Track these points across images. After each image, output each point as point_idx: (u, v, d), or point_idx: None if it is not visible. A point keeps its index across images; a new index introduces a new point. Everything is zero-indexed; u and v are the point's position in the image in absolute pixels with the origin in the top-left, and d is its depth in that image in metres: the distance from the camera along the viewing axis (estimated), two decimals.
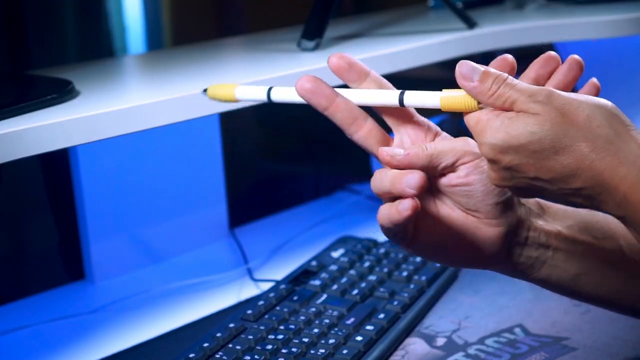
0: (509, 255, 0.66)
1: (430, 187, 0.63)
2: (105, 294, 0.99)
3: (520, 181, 0.57)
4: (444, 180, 0.62)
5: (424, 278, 0.90)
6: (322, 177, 1.35)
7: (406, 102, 0.62)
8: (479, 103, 0.58)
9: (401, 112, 0.65)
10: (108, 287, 1.01)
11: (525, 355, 0.78)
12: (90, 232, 1.01)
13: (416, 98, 0.61)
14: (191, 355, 0.76)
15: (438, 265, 0.93)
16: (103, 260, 1.02)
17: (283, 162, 1.36)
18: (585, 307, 0.87)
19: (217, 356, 0.76)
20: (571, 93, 0.56)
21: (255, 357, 0.76)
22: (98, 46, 1.12)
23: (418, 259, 0.95)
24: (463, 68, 0.58)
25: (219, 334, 0.79)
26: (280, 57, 0.98)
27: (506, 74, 0.57)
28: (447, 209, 0.63)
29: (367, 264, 0.94)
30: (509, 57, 0.64)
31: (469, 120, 0.58)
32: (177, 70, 0.94)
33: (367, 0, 1.45)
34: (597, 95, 0.66)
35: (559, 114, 0.55)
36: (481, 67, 0.57)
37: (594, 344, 0.80)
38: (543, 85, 0.66)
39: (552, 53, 0.66)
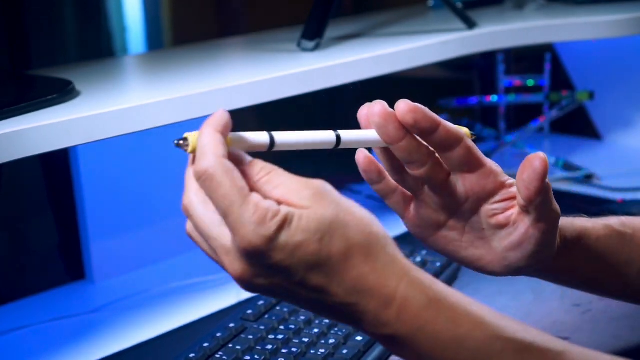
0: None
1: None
2: (105, 294, 0.99)
3: (277, 281, 0.51)
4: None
5: None
6: (322, 177, 1.34)
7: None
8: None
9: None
10: (108, 287, 1.01)
11: None
12: (90, 232, 1.01)
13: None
14: (191, 355, 0.76)
15: (438, 265, 0.93)
16: (103, 260, 1.02)
17: (283, 162, 1.35)
18: (585, 307, 0.87)
19: (217, 356, 0.76)
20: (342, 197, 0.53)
21: (255, 357, 0.76)
22: (98, 46, 1.12)
23: (418, 258, 0.95)
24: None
25: (219, 334, 0.79)
26: (280, 57, 0.98)
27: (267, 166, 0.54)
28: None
29: None
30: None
31: (231, 197, 0.50)
32: (177, 70, 0.94)
33: (367, 0, 1.45)
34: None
35: (337, 212, 0.51)
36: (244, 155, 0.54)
37: (594, 344, 0.80)
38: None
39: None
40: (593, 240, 0.67)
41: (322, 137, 0.59)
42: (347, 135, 0.59)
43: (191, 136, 0.55)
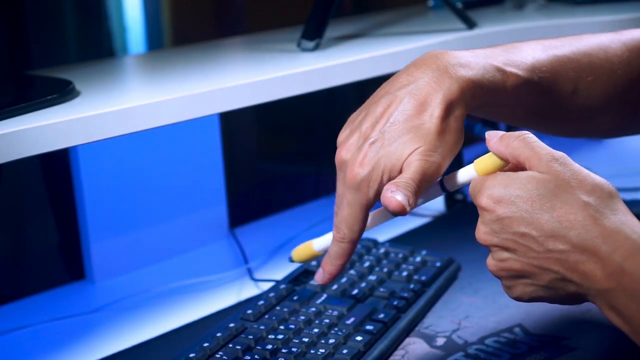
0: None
1: None
2: (105, 294, 0.99)
3: (506, 237, 0.59)
4: None
5: (424, 278, 0.90)
6: (322, 177, 1.35)
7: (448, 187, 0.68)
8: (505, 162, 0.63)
9: None
10: (108, 287, 1.01)
11: (525, 355, 0.78)
12: (90, 232, 1.01)
13: (455, 179, 0.67)
14: (191, 355, 0.76)
15: (438, 264, 0.93)
16: (103, 260, 1.02)
17: (283, 162, 1.36)
18: (585, 307, 0.87)
19: (217, 356, 0.76)
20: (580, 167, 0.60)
21: (255, 357, 0.76)
22: (98, 46, 1.12)
23: (418, 258, 0.95)
24: (489, 133, 0.63)
25: (219, 334, 0.79)
26: (280, 57, 0.98)
27: (527, 132, 0.62)
28: None
29: (367, 263, 0.94)
30: None
31: (471, 187, 0.63)
32: (177, 70, 0.94)
33: (367, 0, 1.45)
34: None
35: (566, 180, 0.58)
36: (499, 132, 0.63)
37: (594, 344, 0.80)
38: None
39: None
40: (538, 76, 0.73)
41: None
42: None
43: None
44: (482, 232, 0.61)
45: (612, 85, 0.77)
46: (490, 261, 0.62)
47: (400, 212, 0.63)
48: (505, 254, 0.61)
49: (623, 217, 0.57)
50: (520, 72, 0.72)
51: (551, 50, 0.75)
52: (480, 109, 0.73)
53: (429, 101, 0.66)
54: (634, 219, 0.58)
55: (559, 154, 0.60)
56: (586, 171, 0.59)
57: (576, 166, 0.59)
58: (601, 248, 0.56)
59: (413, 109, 0.65)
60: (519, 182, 0.58)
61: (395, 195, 0.63)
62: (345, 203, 0.67)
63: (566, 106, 0.76)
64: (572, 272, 0.58)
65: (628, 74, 0.78)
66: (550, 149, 0.61)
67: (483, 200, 0.60)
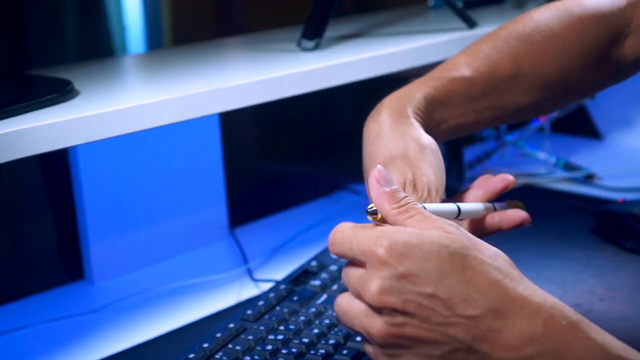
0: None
1: None
2: (105, 294, 0.99)
3: (408, 298, 0.51)
4: None
5: None
6: (322, 177, 1.35)
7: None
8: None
9: None
10: (108, 287, 1.01)
11: None
12: (90, 232, 1.01)
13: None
14: (191, 356, 0.75)
15: None
16: (103, 260, 1.02)
17: (283, 162, 1.36)
18: (585, 308, 0.86)
19: (217, 356, 0.76)
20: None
21: (255, 357, 0.76)
22: (98, 46, 1.12)
23: None
24: (377, 172, 0.57)
25: (219, 334, 0.79)
26: (280, 57, 0.98)
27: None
28: None
29: None
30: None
31: (363, 238, 0.54)
32: (177, 70, 0.94)
33: (367, 0, 1.45)
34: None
35: (473, 243, 0.53)
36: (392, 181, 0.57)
37: None
38: None
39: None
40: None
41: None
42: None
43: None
44: (377, 289, 0.51)
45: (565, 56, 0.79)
46: (377, 324, 0.52)
47: None
48: (401, 318, 0.52)
49: (530, 284, 0.53)
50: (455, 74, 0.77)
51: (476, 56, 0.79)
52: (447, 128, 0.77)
53: None
54: (537, 287, 0.54)
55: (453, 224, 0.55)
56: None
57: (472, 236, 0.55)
58: (519, 313, 0.51)
59: None
60: (429, 235, 0.52)
61: None
62: None
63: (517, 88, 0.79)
64: (480, 341, 0.51)
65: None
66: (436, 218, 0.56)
67: (381, 250, 0.51)
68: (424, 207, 0.58)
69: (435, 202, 0.64)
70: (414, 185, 0.64)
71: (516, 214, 0.71)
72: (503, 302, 0.51)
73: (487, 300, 0.51)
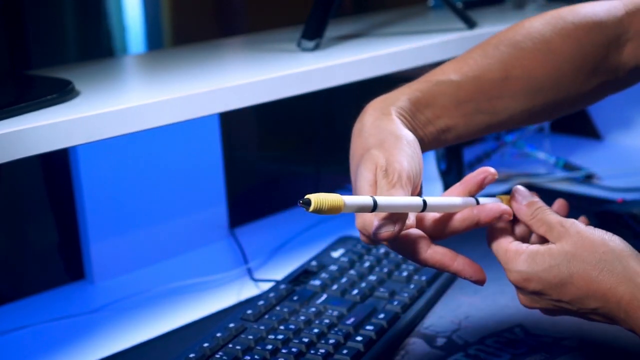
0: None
1: None
2: (105, 294, 0.99)
3: (547, 303, 0.67)
4: None
5: (424, 278, 0.90)
6: (322, 177, 1.35)
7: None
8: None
9: None
10: (108, 287, 1.01)
11: (525, 355, 0.78)
12: (90, 232, 1.01)
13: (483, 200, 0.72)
14: (191, 355, 0.76)
15: None
16: (103, 260, 1.02)
17: (283, 162, 1.36)
18: None
19: (217, 356, 0.76)
20: (586, 226, 0.67)
21: (255, 357, 0.76)
22: (98, 46, 1.12)
23: None
24: (517, 192, 0.71)
25: (219, 334, 0.79)
26: (280, 57, 0.98)
27: (544, 204, 0.70)
28: None
29: (367, 264, 0.94)
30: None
31: (498, 248, 0.69)
32: (177, 70, 0.94)
33: (367, 0, 1.45)
34: (567, 210, 0.75)
35: (574, 246, 0.65)
36: (531, 195, 0.70)
37: (594, 344, 0.80)
38: None
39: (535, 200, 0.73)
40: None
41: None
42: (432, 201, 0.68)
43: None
44: (524, 300, 0.69)
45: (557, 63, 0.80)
46: (522, 299, 0.69)
47: None
48: (537, 298, 0.68)
49: (621, 266, 0.64)
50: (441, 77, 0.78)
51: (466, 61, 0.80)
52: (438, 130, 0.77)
53: None
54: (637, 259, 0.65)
55: (568, 221, 0.67)
56: (590, 230, 0.66)
57: (581, 227, 0.66)
58: (611, 301, 0.63)
59: None
60: (539, 259, 0.66)
61: None
62: None
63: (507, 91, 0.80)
64: (608, 319, 0.65)
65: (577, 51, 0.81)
66: (559, 217, 0.68)
67: (513, 276, 0.67)
68: (382, 202, 0.62)
69: (407, 188, 0.65)
70: (385, 171, 0.66)
71: (494, 207, 0.69)
72: (600, 298, 0.64)
73: (598, 297, 0.64)
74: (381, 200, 0.62)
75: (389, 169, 0.66)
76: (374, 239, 0.65)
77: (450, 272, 0.68)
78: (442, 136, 0.77)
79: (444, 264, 0.68)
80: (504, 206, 0.69)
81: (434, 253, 0.68)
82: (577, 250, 0.65)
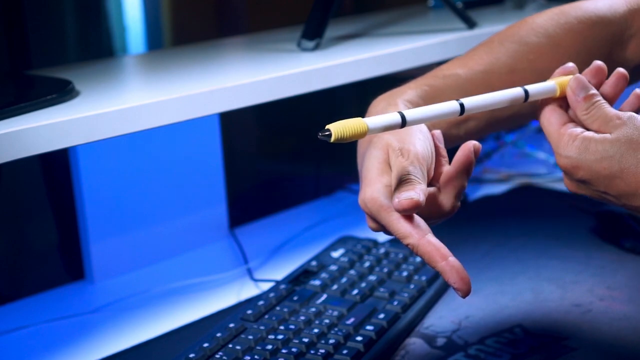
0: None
1: None
2: (105, 294, 0.99)
3: (592, 192, 0.66)
4: None
5: (424, 278, 0.90)
6: (322, 177, 1.35)
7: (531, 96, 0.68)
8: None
9: None
10: (108, 287, 1.01)
11: (525, 355, 0.78)
12: (90, 232, 1.01)
13: (537, 89, 0.68)
14: (191, 355, 0.76)
15: None
16: (103, 260, 1.02)
17: (283, 162, 1.36)
18: (585, 307, 0.87)
19: (217, 356, 0.76)
20: None
21: (255, 357, 0.76)
22: (98, 46, 1.12)
23: (418, 259, 0.95)
24: (574, 83, 0.67)
25: (219, 334, 0.79)
26: (280, 57, 0.98)
27: (601, 98, 0.67)
28: None
29: (367, 264, 0.94)
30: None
31: (550, 129, 0.67)
32: (177, 70, 0.94)
33: (367, 0, 1.45)
34: (639, 104, 0.70)
35: (630, 139, 0.63)
36: (589, 87, 0.67)
37: (594, 344, 0.80)
38: None
39: (599, 63, 0.70)
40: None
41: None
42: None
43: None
44: (570, 185, 0.67)
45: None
46: (568, 184, 0.68)
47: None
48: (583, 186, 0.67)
49: None
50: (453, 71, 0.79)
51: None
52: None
53: None
54: None
55: (626, 114, 0.64)
56: None
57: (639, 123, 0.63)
58: None
59: None
60: (592, 147, 0.63)
61: None
62: None
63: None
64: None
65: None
66: (616, 111, 0.65)
67: (562, 160, 0.65)
68: (412, 114, 0.61)
69: (423, 168, 0.64)
70: (400, 150, 0.65)
71: (461, 153, 0.66)
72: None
73: (638, 197, 0.63)
74: (410, 113, 0.59)
75: (404, 149, 0.65)
76: (398, 209, 0.62)
77: (436, 269, 0.63)
78: (454, 131, 0.77)
79: (432, 258, 0.62)
80: (468, 146, 0.66)
81: (428, 243, 0.63)
82: (632, 144, 0.62)
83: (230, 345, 0.77)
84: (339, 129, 0.57)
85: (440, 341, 0.82)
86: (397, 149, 0.65)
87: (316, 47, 1.00)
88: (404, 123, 0.59)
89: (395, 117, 0.59)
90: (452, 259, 0.63)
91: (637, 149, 0.62)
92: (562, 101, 0.69)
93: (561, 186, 1.26)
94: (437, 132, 0.71)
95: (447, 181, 0.67)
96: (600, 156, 0.63)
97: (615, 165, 0.62)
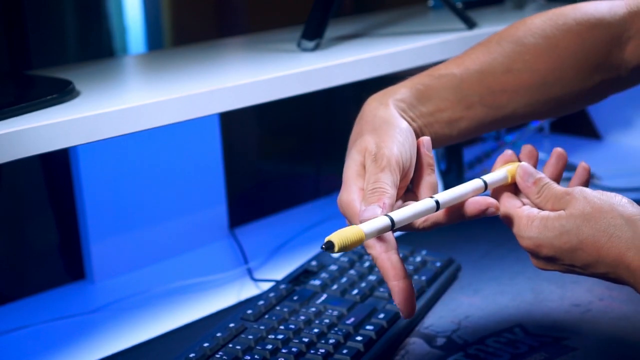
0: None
1: None
2: (105, 294, 0.99)
3: (560, 267, 0.67)
4: None
5: (423, 278, 0.90)
6: (322, 177, 1.35)
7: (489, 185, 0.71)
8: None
9: None
10: (108, 287, 1.01)
11: (525, 355, 0.78)
12: (90, 232, 1.01)
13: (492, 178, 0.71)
14: (191, 355, 0.76)
15: (438, 264, 0.93)
16: (103, 260, 1.02)
17: (283, 162, 1.36)
18: (585, 307, 0.87)
19: (217, 356, 0.76)
20: (592, 190, 0.66)
21: (255, 357, 0.76)
22: (98, 46, 1.12)
23: (418, 258, 0.95)
24: (521, 171, 0.70)
25: (219, 334, 0.79)
26: (280, 57, 0.98)
27: (548, 180, 0.69)
28: None
29: (367, 264, 0.94)
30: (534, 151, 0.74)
31: (508, 214, 0.69)
32: (177, 70, 0.94)
33: (367, 0, 1.45)
34: (587, 176, 0.74)
35: (582, 212, 0.64)
36: (535, 173, 0.70)
37: (594, 344, 0.80)
38: None
39: (529, 147, 0.74)
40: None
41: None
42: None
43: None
44: (538, 264, 0.69)
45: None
46: (536, 263, 0.69)
47: None
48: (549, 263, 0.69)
49: (631, 231, 0.63)
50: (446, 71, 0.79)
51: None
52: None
53: None
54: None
55: (575, 189, 0.66)
56: (598, 196, 0.65)
57: (588, 194, 0.65)
58: (621, 265, 0.63)
59: None
60: (550, 225, 0.65)
61: None
62: None
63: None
64: (619, 281, 0.65)
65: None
66: (564, 188, 0.67)
67: (525, 242, 0.67)
68: (398, 216, 0.63)
69: (395, 173, 0.66)
70: (375, 155, 0.67)
71: (480, 201, 0.68)
72: (620, 253, 0.63)
73: (608, 261, 0.63)
74: (396, 215, 0.63)
75: (379, 153, 0.67)
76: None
77: (388, 286, 0.65)
78: (446, 130, 0.78)
79: (386, 274, 0.64)
80: (490, 200, 0.68)
81: (387, 259, 0.64)
82: (586, 216, 0.64)
83: (230, 345, 0.77)
84: (340, 239, 0.60)
85: (440, 341, 0.82)
86: (373, 154, 0.67)
87: (316, 47, 1.00)
88: (393, 225, 0.63)
89: (385, 222, 0.62)
90: (404, 281, 0.64)
91: (590, 219, 0.64)
92: (513, 187, 0.71)
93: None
94: (426, 139, 0.72)
95: (416, 183, 0.70)
96: (558, 232, 0.65)
97: (573, 239, 0.64)
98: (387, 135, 0.69)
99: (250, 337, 0.78)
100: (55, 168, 1.04)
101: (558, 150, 0.73)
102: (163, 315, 0.93)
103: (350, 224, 0.67)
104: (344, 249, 0.59)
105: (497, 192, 0.71)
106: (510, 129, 1.42)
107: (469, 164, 1.31)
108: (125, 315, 0.94)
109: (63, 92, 0.80)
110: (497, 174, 0.72)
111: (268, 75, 0.89)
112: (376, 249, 0.64)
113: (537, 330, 0.83)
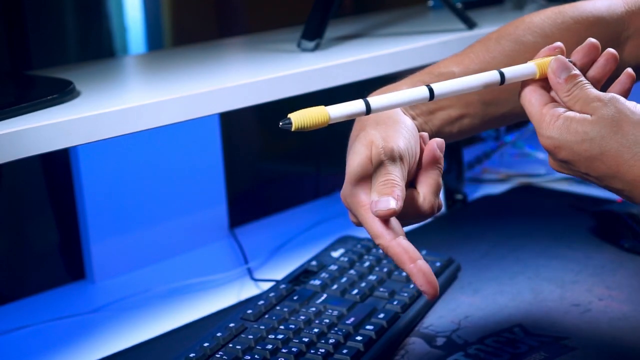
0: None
1: None
2: (105, 294, 0.99)
3: (574, 173, 0.65)
4: None
5: None
6: (322, 177, 1.35)
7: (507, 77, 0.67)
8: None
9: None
10: (108, 287, 1.01)
11: (525, 355, 0.78)
12: (91, 232, 1.01)
13: (514, 72, 0.67)
14: (191, 355, 0.76)
15: (438, 264, 0.93)
16: (103, 260, 1.02)
17: (283, 162, 1.36)
18: (584, 307, 0.87)
19: (217, 356, 0.76)
20: (627, 101, 0.63)
21: (255, 356, 0.76)
22: (98, 46, 1.12)
23: None
24: (555, 64, 0.66)
25: (219, 334, 0.79)
26: (280, 57, 0.98)
27: (583, 79, 0.66)
28: None
29: (367, 263, 0.94)
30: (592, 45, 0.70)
31: (532, 110, 0.66)
32: (177, 70, 0.94)
33: (367, 0, 1.45)
34: (631, 84, 0.69)
35: (611, 121, 0.62)
36: (570, 68, 0.66)
37: (594, 344, 0.80)
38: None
39: (593, 41, 0.70)
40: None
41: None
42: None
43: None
44: (553, 164, 0.67)
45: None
46: (552, 164, 0.68)
47: None
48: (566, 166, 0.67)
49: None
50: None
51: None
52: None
53: None
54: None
55: (606, 96, 0.63)
56: (631, 108, 0.62)
57: (621, 104, 0.62)
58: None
59: None
60: (573, 128, 0.63)
61: None
62: None
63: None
64: (633, 200, 0.63)
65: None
66: (598, 92, 0.64)
67: (544, 141, 0.65)
68: (377, 103, 0.60)
69: (403, 168, 0.65)
70: (383, 148, 0.65)
71: (427, 151, 0.67)
72: (628, 182, 0.62)
73: (625, 175, 0.62)
74: (376, 100, 0.59)
75: (387, 147, 0.66)
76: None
77: (405, 271, 0.63)
78: (448, 128, 0.77)
79: (401, 260, 0.62)
80: (435, 142, 0.67)
81: (397, 245, 0.62)
82: (613, 127, 0.62)
83: (230, 345, 0.78)
84: (299, 118, 0.57)
85: (440, 341, 0.82)
86: (380, 147, 0.66)
87: (316, 48, 1.00)
88: (368, 110, 0.59)
89: (359, 105, 0.59)
90: (420, 262, 0.62)
91: (618, 131, 0.61)
92: (543, 82, 0.68)
93: (561, 186, 1.26)
94: (440, 141, 0.71)
95: (420, 181, 0.68)
96: (580, 138, 0.63)
97: (595, 148, 0.62)
98: (392, 129, 0.68)
99: (251, 337, 0.78)
100: (56, 168, 1.04)
101: (610, 51, 0.69)
102: (163, 315, 0.93)
103: (355, 217, 0.66)
104: (303, 128, 0.57)
105: (525, 84, 0.68)
106: (510, 128, 1.42)
107: (469, 164, 1.31)
108: (126, 315, 0.94)
109: (63, 92, 0.80)
110: (523, 66, 0.68)
111: (268, 75, 0.89)
112: (385, 237, 0.63)
113: (537, 330, 0.83)
